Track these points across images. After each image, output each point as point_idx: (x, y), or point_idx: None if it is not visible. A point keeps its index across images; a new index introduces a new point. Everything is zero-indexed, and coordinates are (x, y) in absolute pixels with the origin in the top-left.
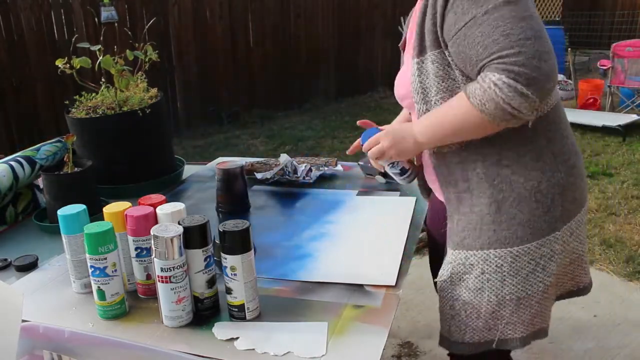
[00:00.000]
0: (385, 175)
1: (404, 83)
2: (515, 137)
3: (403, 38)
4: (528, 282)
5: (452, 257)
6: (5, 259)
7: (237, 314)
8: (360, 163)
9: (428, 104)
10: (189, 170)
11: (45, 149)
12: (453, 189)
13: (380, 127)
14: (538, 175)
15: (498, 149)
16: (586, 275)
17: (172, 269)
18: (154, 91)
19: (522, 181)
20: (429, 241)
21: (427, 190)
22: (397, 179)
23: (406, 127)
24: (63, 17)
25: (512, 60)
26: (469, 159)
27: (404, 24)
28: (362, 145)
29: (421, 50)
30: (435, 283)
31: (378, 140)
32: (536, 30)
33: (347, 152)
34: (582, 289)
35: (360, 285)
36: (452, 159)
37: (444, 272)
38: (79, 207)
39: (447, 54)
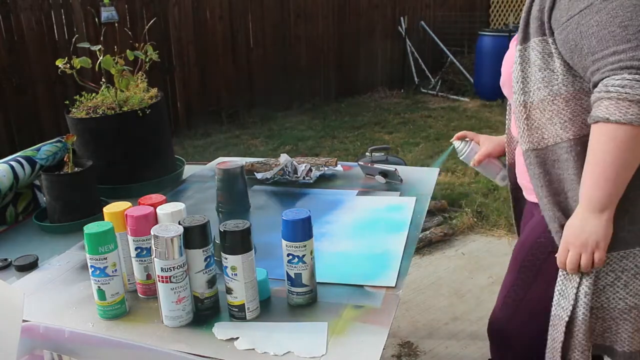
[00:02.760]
0: (385, 175)
1: (506, 70)
2: None
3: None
4: (604, 294)
5: None
6: (6, 259)
7: (238, 314)
8: (360, 163)
9: (527, 95)
10: (189, 170)
11: (45, 149)
12: (547, 190)
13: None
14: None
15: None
16: None
17: (172, 269)
18: (154, 91)
19: None
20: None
21: (516, 191)
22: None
23: (576, 217)
24: (63, 17)
25: (629, 56)
26: (563, 158)
27: (404, 23)
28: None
29: (525, 37)
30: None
31: (565, 252)
32: None
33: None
34: None
35: (360, 286)
36: (550, 157)
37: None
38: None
39: (550, 42)
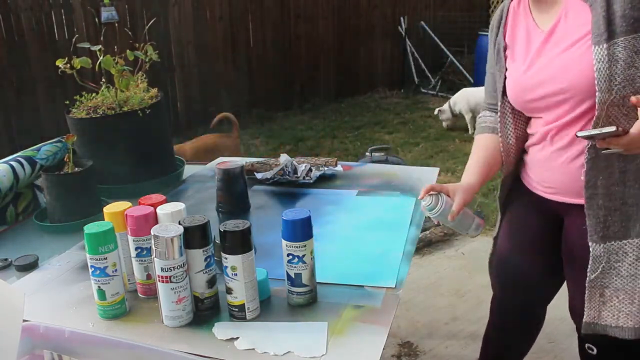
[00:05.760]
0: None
1: (575, 73)
2: None
3: (503, 43)
4: None
5: (604, 250)
6: (6, 259)
7: (238, 313)
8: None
9: (609, 93)
10: (189, 170)
11: (45, 149)
12: (604, 184)
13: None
14: None
15: None
16: None
17: (172, 268)
18: (154, 91)
19: None
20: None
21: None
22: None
23: None
24: (63, 17)
25: None
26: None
27: (404, 23)
28: None
29: (610, 36)
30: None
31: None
32: None
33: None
34: None
35: (360, 286)
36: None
37: (596, 266)
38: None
39: None
